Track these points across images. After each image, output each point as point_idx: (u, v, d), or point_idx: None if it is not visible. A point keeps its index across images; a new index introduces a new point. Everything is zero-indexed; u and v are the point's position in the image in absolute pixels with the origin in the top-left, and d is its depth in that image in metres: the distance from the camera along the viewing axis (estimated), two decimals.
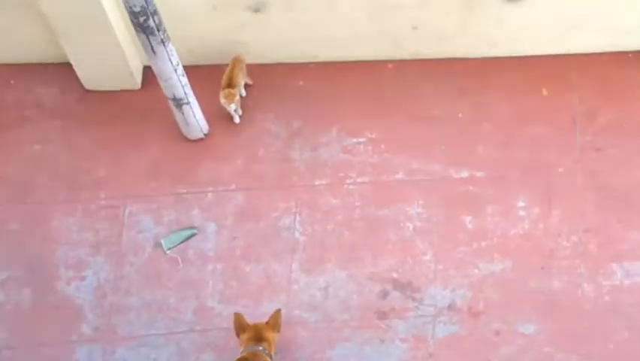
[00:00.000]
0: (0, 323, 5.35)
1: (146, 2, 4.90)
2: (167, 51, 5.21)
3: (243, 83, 5.87)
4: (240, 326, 5.00)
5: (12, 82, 6.08)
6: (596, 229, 5.45)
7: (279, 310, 5.03)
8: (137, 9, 4.91)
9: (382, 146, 5.80)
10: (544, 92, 5.92)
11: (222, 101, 5.73)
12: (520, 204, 5.55)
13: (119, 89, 6.02)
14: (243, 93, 5.94)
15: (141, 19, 4.98)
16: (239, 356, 4.94)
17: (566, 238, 5.44)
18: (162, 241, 5.50)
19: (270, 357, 4.96)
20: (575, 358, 5.12)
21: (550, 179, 5.61)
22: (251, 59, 5.94)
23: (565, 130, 5.77)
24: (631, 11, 5.75)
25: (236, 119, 5.87)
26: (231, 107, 5.75)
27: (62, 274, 5.47)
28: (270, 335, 5.00)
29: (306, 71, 6.07)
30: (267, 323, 5.02)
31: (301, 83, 6.04)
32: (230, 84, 5.75)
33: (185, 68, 5.48)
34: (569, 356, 5.12)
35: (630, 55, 6.01)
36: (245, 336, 4.98)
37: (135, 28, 5.06)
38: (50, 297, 5.39)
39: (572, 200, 5.54)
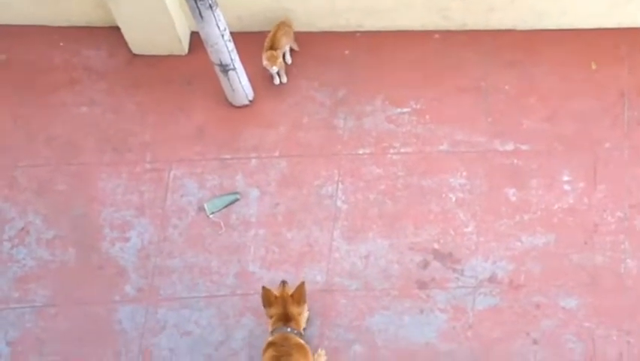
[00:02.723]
0: (45, 280, 5.44)
1: None
2: (214, 16, 5.22)
3: (287, 47, 5.86)
4: (268, 299, 4.99)
5: (61, 44, 6.14)
6: None
7: (302, 283, 5.02)
8: None
9: (427, 116, 5.78)
10: (593, 65, 5.85)
11: (264, 63, 5.74)
12: (565, 178, 5.51)
13: (166, 54, 6.05)
14: (289, 60, 5.94)
15: None
16: (269, 339, 4.95)
17: (611, 214, 5.39)
18: (205, 205, 5.55)
19: (301, 335, 4.97)
20: (615, 333, 5.09)
21: (597, 154, 5.56)
22: (297, 26, 5.94)
23: (613, 105, 5.71)
24: None
25: (276, 81, 5.87)
26: (273, 70, 5.75)
27: (107, 234, 5.54)
28: (296, 310, 5.00)
29: (352, 40, 6.05)
30: (291, 295, 5.00)
31: (347, 51, 6.03)
32: (273, 46, 5.75)
33: (232, 34, 5.49)
34: (609, 331, 5.10)
35: None
36: (272, 311, 5.00)
37: None
38: (95, 257, 5.47)
39: (617, 175, 5.49)
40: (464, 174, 5.57)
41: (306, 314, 5.12)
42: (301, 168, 5.67)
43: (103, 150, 5.80)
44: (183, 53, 6.06)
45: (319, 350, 5.13)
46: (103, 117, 5.91)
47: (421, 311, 5.23)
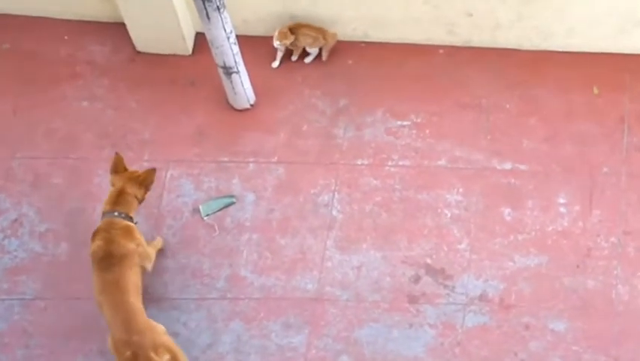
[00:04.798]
0: (36, 273, 5.43)
1: None
2: (221, 18, 5.23)
3: (304, 44, 5.86)
4: (116, 167, 5.11)
5: (66, 37, 6.14)
6: (636, 232, 5.40)
7: (153, 170, 5.13)
8: None
9: (427, 131, 5.78)
10: (595, 90, 5.86)
11: (274, 33, 5.75)
12: (561, 200, 5.52)
13: (169, 53, 6.06)
14: (325, 56, 5.93)
15: None
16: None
17: (605, 239, 5.39)
18: (201, 207, 5.54)
19: (129, 219, 5.04)
20: (603, 359, 5.09)
21: (594, 178, 5.57)
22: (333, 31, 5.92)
23: (613, 130, 5.72)
24: None
25: (275, 64, 5.90)
26: (275, 44, 5.77)
27: None
28: (135, 190, 5.10)
29: (357, 50, 6.06)
30: (138, 175, 5.10)
31: (350, 61, 6.03)
32: (292, 29, 5.76)
33: (237, 37, 5.49)
34: (597, 356, 5.10)
35: None
36: (114, 180, 5.10)
37: None
38: (87, 253, 5.45)
39: (613, 201, 5.49)
40: (461, 190, 5.58)
41: (158, 243, 5.30)
42: (298, 175, 5.67)
43: (101, 146, 5.79)
44: (187, 53, 6.07)
45: (157, 238, 5.30)
46: (103, 113, 5.90)
47: (411, 326, 5.23)
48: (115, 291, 4.86)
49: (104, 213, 5.07)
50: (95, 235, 5.03)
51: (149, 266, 5.18)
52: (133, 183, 5.12)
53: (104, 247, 4.95)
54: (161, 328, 4.90)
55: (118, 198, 5.07)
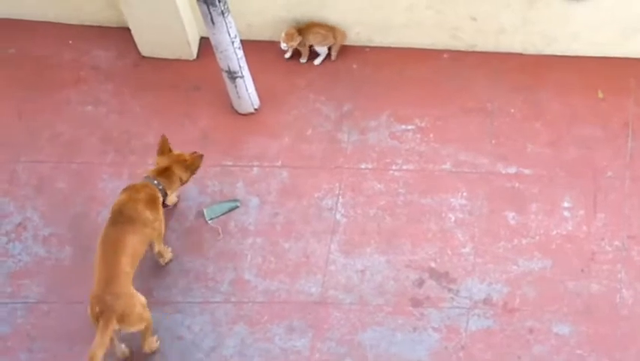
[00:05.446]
0: (39, 277, 5.43)
1: None
2: (226, 23, 5.24)
3: (311, 45, 5.88)
4: (163, 148, 5.19)
5: (70, 42, 6.16)
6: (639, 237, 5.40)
7: (201, 155, 5.22)
8: None
9: (431, 135, 5.78)
10: (600, 94, 5.85)
11: (282, 35, 5.78)
12: (565, 204, 5.51)
13: (174, 57, 6.07)
14: (334, 56, 5.95)
15: None
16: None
17: (609, 243, 5.38)
18: (205, 211, 5.55)
19: (165, 194, 5.08)
20: None
21: (598, 182, 5.56)
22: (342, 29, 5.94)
23: (617, 134, 5.71)
24: None
25: (287, 55, 5.95)
26: (282, 46, 5.80)
27: None
28: (180, 171, 5.18)
29: (361, 55, 6.07)
30: (185, 159, 5.20)
31: (355, 66, 6.04)
32: (300, 32, 5.77)
33: (241, 42, 5.50)
34: (601, 360, 5.08)
35: None
36: (158, 160, 5.17)
37: None
38: (90, 257, 5.42)
39: (618, 205, 5.48)
40: (465, 194, 5.57)
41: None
42: (302, 180, 5.67)
43: (105, 151, 5.80)
44: (192, 58, 6.08)
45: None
46: (107, 118, 5.91)
47: (414, 329, 5.22)
48: (112, 247, 4.88)
49: (145, 177, 5.15)
50: (124, 189, 5.10)
51: (157, 247, 5.21)
52: (180, 165, 5.20)
53: (124, 203, 5.01)
54: (141, 299, 4.90)
55: (163, 171, 5.16)
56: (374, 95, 5.93)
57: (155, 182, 5.13)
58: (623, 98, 5.80)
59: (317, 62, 5.98)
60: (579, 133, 5.72)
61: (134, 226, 4.95)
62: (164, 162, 5.19)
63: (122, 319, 4.75)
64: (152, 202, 5.05)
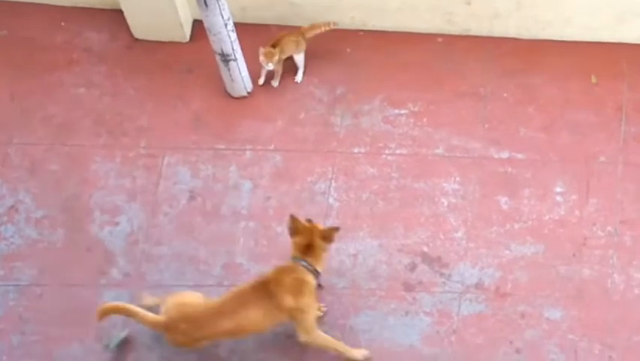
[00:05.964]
0: (32, 260, 5.42)
1: None
2: (219, 5, 5.21)
3: (294, 55, 5.81)
4: (295, 228, 4.84)
5: (62, 24, 6.12)
6: (632, 221, 5.40)
7: (337, 228, 4.89)
8: None
9: (424, 119, 5.78)
10: (593, 79, 5.85)
11: (260, 58, 5.72)
12: (558, 189, 5.51)
13: (167, 40, 6.04)
14: (301, 64, 5.87)
15: None
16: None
17: (601, 228, 5.39)
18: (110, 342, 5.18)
19: (315, 274, 4.82)
20: (598, 347, 5.09)
21: (591, 167, 5.56)
22: (301, 21, 5.92)
23: (610, 119, 5.71)
24: None
25: (261, 81, 5.86)
26: (268, 66, 5.74)
27: (97, 217, 5.53)
28: (321, 244, 4.84)
29: (355, 39, 6.05)
30: (321, 230, 4.87)
31: (348, 50, 6.02)
32: (274, 45, 5.74)
33: (235, 25, 5.48)
34: (592, 344, 5.10)
35: None
36: (297, 240, 4.85)
37: None
38: (83, 239, 5.46)
39: (610, 190, 5.49)
40: (458, 179, 5.57)
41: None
42: (295, 163, 5.67)
43: (98, 133, 5.79)
44: (185, 41, 6.06)
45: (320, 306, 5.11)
46: (100, 100, 5.89)
47: (407, 313, 5.23)
48: (238, 304, 4.79)
49: (293, 258, 4.88)
50: (277, 267, 4.86)
51: (302, 337, 4.94)
52: (318, 238, 4.86)
53: (269, 278, 4.80)
54: None
55: (308, 249, 4.85)
56: (367, 79, 5.91)
57: (304, 263, 4.85)
58: (616, 82, 5.80)
59: (298, 78, 5.90)
60: (572, 118, 5.72)
61: (266, 304, 4.78)
62: (303, 239, 4.86)
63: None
64: (296, 287, 4.80)
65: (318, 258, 4.89)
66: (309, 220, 4.96)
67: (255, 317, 4.81)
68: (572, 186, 5.51)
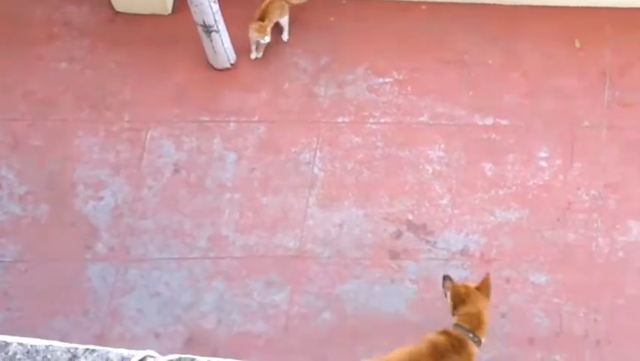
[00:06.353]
0: (16, 236, 5.41)
1: None
2: None
3: (280, 20, 5.79)
4: (459, 297, 4.59)
5: None
6: (616, 185, 5.40)
7: (487, 279, 4.65)
8: None
9: (409, 87, 5.75)
10: (577, 44, 5.82)
11: (251, 33, 5.70)
12: (542, 154, 5.50)
13: (149, 12, 6.00)
14: (285, 37, 5.86)
15: None
16: (447, 328, 4.58)
17: (585, 192, 5.39)
18: None
19: (479, 344, 4.58)
20: (583, 310, 5.11)
21: (575, 132, 5.55)
22: None
23: (594, 84, 5.69)
24: None
25: (253, 55, 5.83)
26: (265, 39, 5.70)
27: (80, 192, 5.51)
28: (485, 304, 4.62)
29: (338, 8, 6.01)
30: (478, 288, 4.62)
31: (332, 19, 5.99)
32: (262, 18, 5.70)
33: None
34: (577, 308, 5.11)
35: None
36: (463, 310, 4.58)
37: None
38: (67, 214, 5.45)
39: (594, 154, 5.48)
40: (442, 146, 5.56)
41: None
42: (280, 134, 5.65)
43: (81, 108, 5.76)
44: (166, 13, 6.02)
45: None
46: (82, 74, 5.86)
47: (392, 281, 5.23)
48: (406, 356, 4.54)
49: (456, 325, 4.60)
50: (446, 333, 4.56)
51: None
52: (482, 301, 4.64)
53: (444, 348, 4.52)
54: None
55: (474, 319, 4.58)
56: (351, 48, 5.88)
57: (471, 335, 4.57)
58: (600, 47, 5.77)
59: (285, 36, 5.89)
60: (556, 83, 5.70)
61: None
62: (470, 308, 4.59)
63: None
64: None
65: (484, 328, 4.60)
66: (466, 286, 4.68)
67: None
68: (555, 151, 5.50)
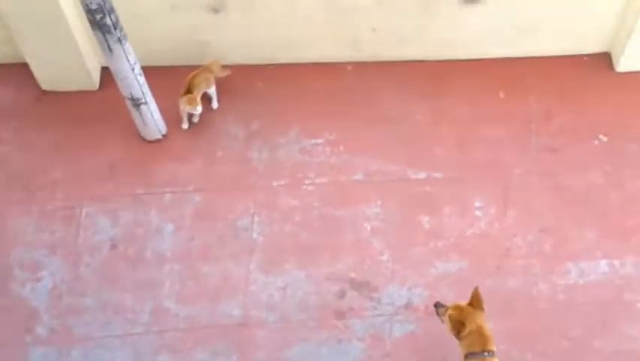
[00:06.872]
0: None
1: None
2: (124, 49, 5.18)
3: (207, 90, 5.83)
4: (459, 323, 4.65)
5: None
6: (551, 229, 5.51)
7: (477, 289, 4.72)
8: (93, 6, 4.89)
9: (341, 147, 5.82)
10: (501, 94, 5.97)
11: (183, 107, 5.72)
12: (477, 204, 5.59)
13: (76, 89, 5.98)
14: (215, 104, 5.93)
15: (98, 17, 4.95)
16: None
17: (522, 238, 5.48)
18: None
19: (495, 355, 4.65)
20: (530, 355, 5.15)
21: (507, 180, 5.66)
22: (210, 59, 5.92)
23: (521, 132, 5.83)
24: (584, 16, 5.83)
25: (185, 125, 5.84)
26: (197, 110, 5.72)
27: (17, 275, 5.40)
28: (482, 318, 4.70)
29: (265, 73, 6.08)
30: (470, 304, 4.71)
31: (260, 84, 6.04)
32: (190, 91, 5.74)
33: (144, 68, 5.46)
34: (524, 353, 5.15)
35: (585, 58, 6.09)
36: (465, 334, 4.66)
37: (92, 26, 5.03)
38: (4, 299, 5.33)
39: (527, 200, 5.59)
40: (378, 203, 5.61)
41: None
42: (216, 202, 5.64)
43: (12, 190, 5.67)
44: (94, 89, 6.00)
45: None
46: (11, 156, 5.79)
47: (339, 341, 5.22)
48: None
49: (472, 353, 4.67)
50: None
51: None
52: (479, 316, 4.72)
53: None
54: None
55: (479, 338, 4.67)
56: (281, 112, 5.94)
57: (486, 354, 4.65)
58: (523, 96, 5.94)
59: (215, 104, 5.94)
60: (485, 134, 5.83)
61: None
62: (471, 322, 4.71)
63: None
64: None
65: (491, 342, 4.68)
66: (459, 308, 4.74)
67: None
68: (490, 200, 5.60)
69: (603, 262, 5.41)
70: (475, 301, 4.75)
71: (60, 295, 5.34)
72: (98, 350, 5.19)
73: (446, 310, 4.76)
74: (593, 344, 5.17)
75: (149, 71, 5.56)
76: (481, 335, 4.69)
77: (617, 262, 5.41)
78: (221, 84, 5.94)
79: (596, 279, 5.37)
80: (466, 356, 4.71)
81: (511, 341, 5.17)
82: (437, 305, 4.82)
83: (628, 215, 5.56)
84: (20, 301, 5.33)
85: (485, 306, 5.17)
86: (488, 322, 5.14)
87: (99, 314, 5.29)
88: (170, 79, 5.89)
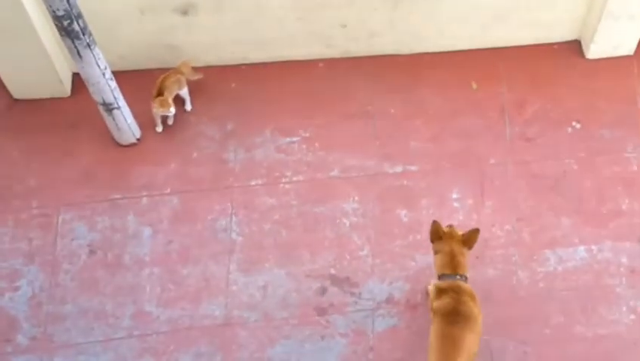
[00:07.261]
0: None
1: (69, 5, 4.84)
2: (93, 55, 5.16)
3: (180, 92, 5.82)
4: (436, 233, 4.84)
5: None
6: (528, 218, 5.53)
7: (477, 230, 4.84)
8: (60, 13, 4.86)
9: (316, 144, 5.82)
10: (474, 85, 5.99)
11: (156, 110, 5.70)
12: (454, 196, 5.61)
13: (48, 96, 5.94)
14: (189, 106, 5.91)
15: (65, 23, 4.92)
16: (437, 284, 4.81)
17: (500, 228, 5.51)
18: None
19: (466, 280, 4.83)
20: (512, 344, 5.18)
21: (483, 170, 5.68)
22: (181, 61, 5.91)
23: (495, 122, 5.86)
24: (553, 4, 5.86)
25: (159, 128, 5.83)
26: (171, 112, 5.71)
27: None
28: (463, 251, 4.85)
29: (238, 73, 6.07)
30: (462, 235, 4.85)
31: (233, 85, 6.03)
32: (161, 93, 5.71)
33: (116, 73, 5.44)
34: (506, 342, 5.18)
35: (555, 46, 6.13)
36: (438, 246, 4.85)
37: (60, 33, 5.00)
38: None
39: (504, 190, 5.62)
40: (356, 198, 5.62)
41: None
42: (193, 204, 5.62)
43: None
44: (66, 95, 5.97)
45: None
46: None
47: (322, 338, 5.22)
48: (450, 347, 4.65)
49: (443, 275, 4.84)
50: (440, 292, 4.79)
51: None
52: (459, 245, 4.85)
53: (454, 305, 4.72)
54: None
55: (453, 262, 4.82)
56: (256, 112, 5.93)
57: (458, 277, 4.82)
58: (495, 86, 5.96)
59: (188, 107, 5.92)
60: (459, 125, 5.85)
61: (468, 325, 4.70)
62: (444, 246, 4.86)
63: None
64: (473, 298, 4.80)
65: (464, 268, 4.83)
66: (450, 226, 4.94)
67: (469, 343, 4.72)
68: (467, 191, 5.62)
69: (581, 248, 5.45)
70: (468, 237, 4.85)
71: (40, 304, 5.31)
72: (80, 357, 5.17)
73: (434, 223, 4.87)
74: (574, 330, 5.21)
75: (120, 76, 5.55)
76: (453, 260, 4.81)
77: (594, 248, 5.45)
78: (194, 86, 5.93)
79: (575, 265, 5.40)
80: (439, 277, 4.85)
81: (492, 331, 5.18)
82: (433, 222, 4.90)
83: (603, 201, 5.60)
84: None
85: None
86: None
87: (80, 321, 5.26)
88: (142, 82, 5.87)
